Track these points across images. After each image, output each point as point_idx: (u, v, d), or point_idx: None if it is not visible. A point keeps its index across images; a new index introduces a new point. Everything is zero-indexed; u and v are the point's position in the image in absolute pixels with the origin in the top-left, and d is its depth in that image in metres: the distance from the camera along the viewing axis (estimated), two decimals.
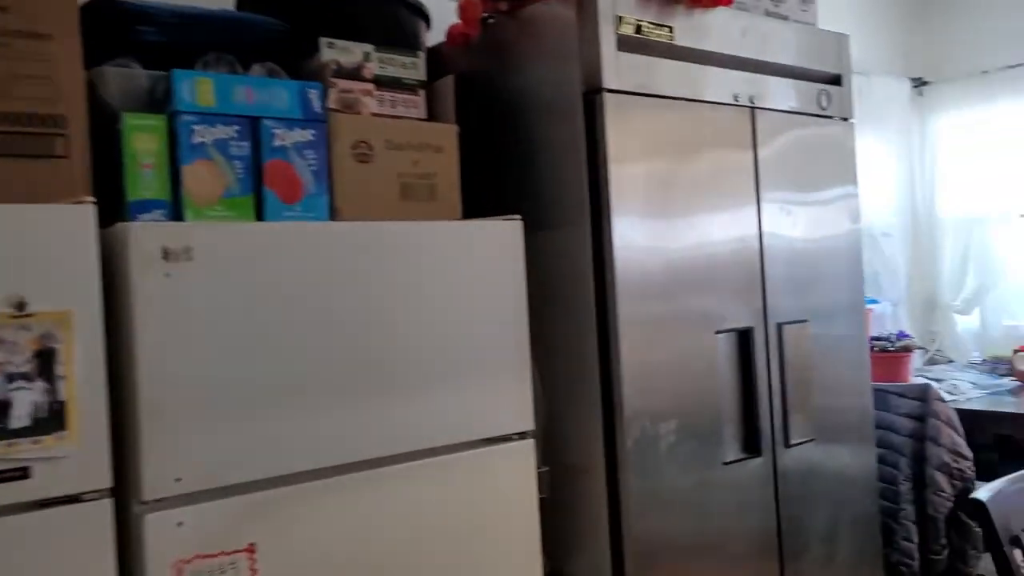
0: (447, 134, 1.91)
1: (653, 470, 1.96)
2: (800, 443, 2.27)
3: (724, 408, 2.12)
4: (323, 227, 1.63)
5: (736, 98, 2.18)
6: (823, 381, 2.35)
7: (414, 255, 1.70)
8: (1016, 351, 4.00)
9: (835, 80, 2.48)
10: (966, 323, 4.30)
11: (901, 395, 2.76)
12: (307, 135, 1.71)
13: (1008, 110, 3.99)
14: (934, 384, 2.91)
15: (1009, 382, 3.87)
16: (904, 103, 4.17)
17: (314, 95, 1.73)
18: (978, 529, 2.76)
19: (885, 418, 2.72)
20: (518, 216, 1.86)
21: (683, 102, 2.06)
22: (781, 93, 2.31)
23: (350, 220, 1.73)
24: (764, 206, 2.23)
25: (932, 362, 4.22)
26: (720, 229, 2.13)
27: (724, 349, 2.12)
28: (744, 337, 2.16)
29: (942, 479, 2.66)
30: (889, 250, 4.03)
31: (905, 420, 2.75)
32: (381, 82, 1.89)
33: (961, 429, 2.75)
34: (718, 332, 2.10)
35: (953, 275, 4.20)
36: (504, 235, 1.84)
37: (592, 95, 1.93)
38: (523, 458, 1.85)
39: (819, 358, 2.34)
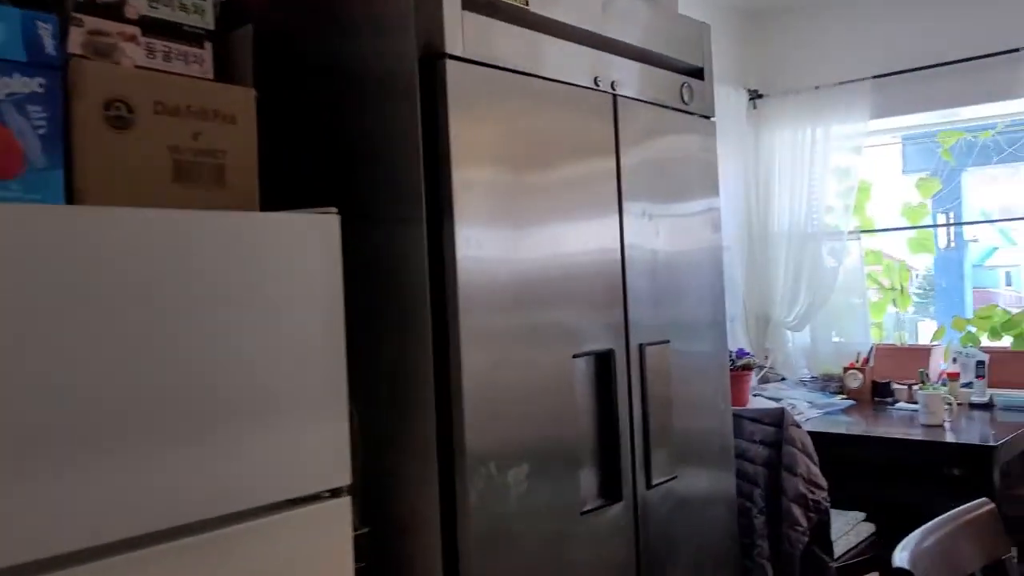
0: (242, 100, 1.46)
1: (501, 527, 1.59)
2: (662, 482, 1.98)
3: (582, 446, 1.79)
4: (55, 214, 1.15)
5: (597, 82, 1.87)
6: (684, 408, 2.08)
7: (191, 256, 1.25)
8: (846, 368, 3.98)
9: (697, 73, 2.23)
10: (796, 339, 4.26)
11: (756, 420, 2.56)
12: (33, 85, 1.22)
13: (839, 125, 3.98)
14: (788, 407, 2.73)
15: (840, 400, 3.84)
16: (742, 115, 4.09)
17: (46, 31, 1.24)
18: (833, 564, 2.59)
19: (739, 446, 2.50)
20: (335, 209, 1.45)
21: (539, 81, 1.72)
22: (644, 81, 2.02)
23: (97, 206, 1.25)
24: (627, 213, 1.93)
25: (765, 380, 4.14)
26: (579, 236, 1.80)
27: (582, 375, 1.80)
28: (604, 361, 1.84)
29: (798, 512, 2.47)
30: (728, 265, 3.90)
31: (760, 448, 2.55)
32: (151, 26, 1.42)
33: (816, 456, 2.59)
34: (576, 356, 1.77)
35: (786, 291, 4.15)
36: (316, 233, 1.42)
37: (431, 62, 1.54)
38: (336, 520, 1.43)
39: (681, 383, 2.07)
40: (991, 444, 2.90)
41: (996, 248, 5.63)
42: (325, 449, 1.40)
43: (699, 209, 2.20)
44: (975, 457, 2.93)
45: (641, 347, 1.94)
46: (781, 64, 4.17)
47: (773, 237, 4.19)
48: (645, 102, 2.02)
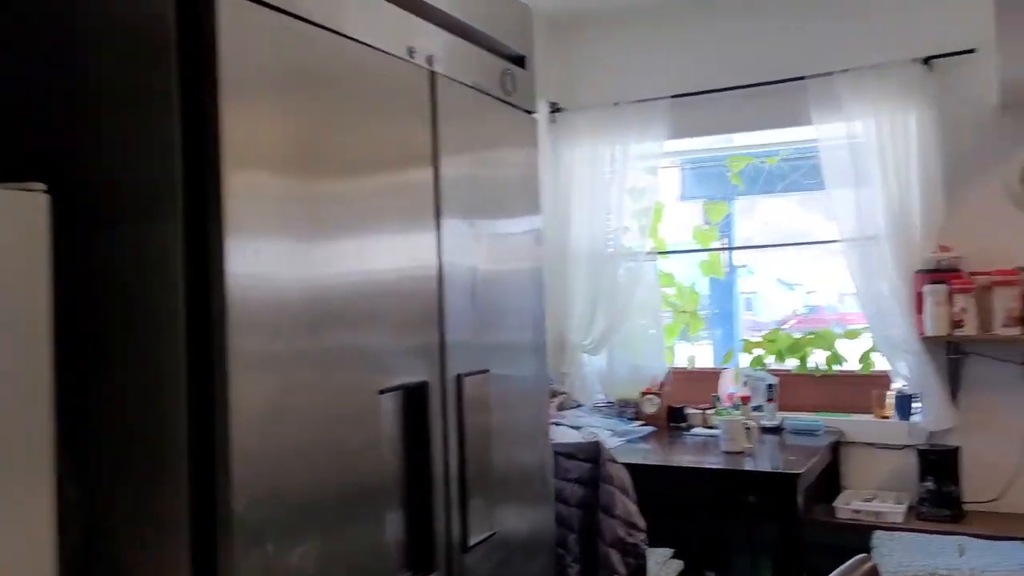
0: None
1: None
2: (481, 541, 1.64)
3: (388, 505, 1.41)
4: None
5: (411, 53, 1.52)
6: (505, 446, 1.77)
7: None
8: (643, 393, 3.87)
9: (519, 61, 1.94)
10: (592, 363, 4.11)
11: (571, 456, 2.30)
12: None
13: (637, 144, 3.89)
14: (603, 441, 2.50)
15: (638, 427, 3.71)
16: (541, 128, 3.89)
17: None
18: None
19: (554, 485, 2.22)
20: (42, 185, 0.99)
21: (340, 42, 1.34)
22: (464, 60, 1.70)
23: None
24: (446, 221, 1.59)
25: (561, 407, 3.94)
26: (390, 249, 1.44)
27: (390, 415, 1.42)
28: (416, 396, 1.48)
29: (616, 559, 2.23)
30: None
31: (575, 487, 2.29)
32: None
33: (634, 493, 2.37)
34: (383, 391, 1.39)
35: (584, 313, 3.99)
36: (14, 214, 0.95)
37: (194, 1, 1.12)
38: None
39: (502, 417, 1.76)
40: (795, 472, 2.83)
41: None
42: (13, 536, 0.93)
43: (522, 220, 1.91)
44: (779, 484, 2.86)
45: (459, 378, 1.60)
46: (581, 78, 4.04)
47: (572, 257, 4.02)
48: (466, 85, 1.69)
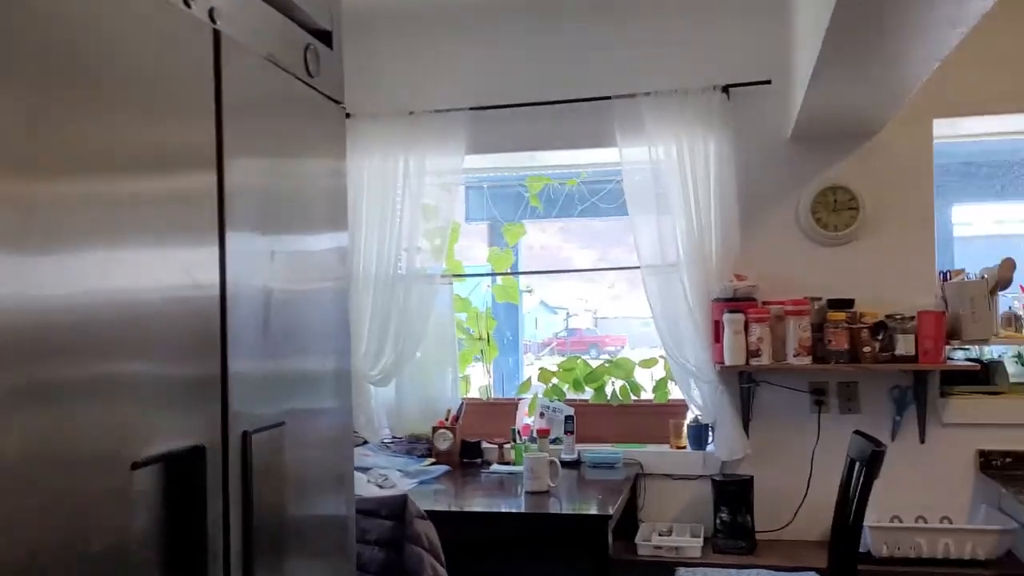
0: None
1: None
2: None
3: None
4: None
5: (188, 1, 1.12)
6: (302, 509, 1.39)
7: None
8: (435, 428, 3.57)
9: (325, 38, 1.59)
10: (379, 396, 3.75)
11: (371, 514, 1.94)
12: None
13: (434, 158, 3.61)
14: (408, 494, 2.16)
15: (431, 466, 3.39)
16: None
17: None
18: None
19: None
20: None
21: None
22: (258, 22, 1.32)
23: None
24: (232, 227, 1.20)
25: None
26: (152, 264, 1.03)
27: (147, 499, 1.01)
28: (187, 468, 1.07)
29: None
30: None
31: (375, 551, 1.93)
32: None
33: (442, 553, 2.04)
34: (137, 466, 0.98)
35: (373, 341, 3.63)
36: None
37: None
38: None
39: (299, 475, 1.38)
40: (606, 514, 2.65)
41: None
42: None
43: (327, 235, 1.55)
44: (589, 527, 2.66)
45: (247, 437, 1.21)
46: (373, 82, 3.70)
47: (359, 279, 3.65)
48: (259, 55, 1.32)
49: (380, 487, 2.99)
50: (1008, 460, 3.13)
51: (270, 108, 1.36)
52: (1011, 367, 3.27)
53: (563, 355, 5.25)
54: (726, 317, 3.18)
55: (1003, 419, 3.16)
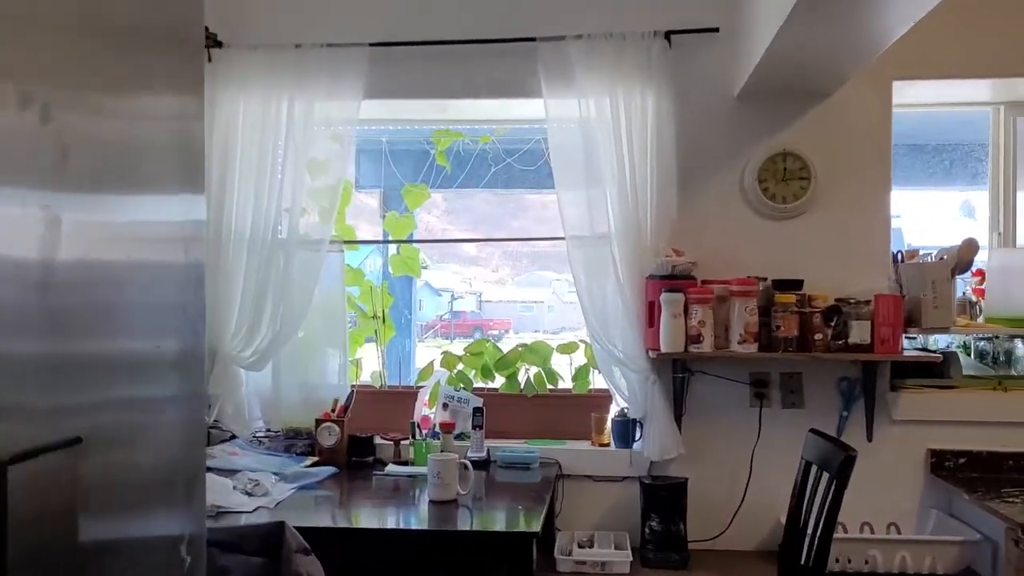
0: None
1: None
2: None
3: None
4: None
5: None
6: (110, 541, 0.86)
7: None
8: (320, 421, 3.02)
9: None
10: (253, 382, 3.17)
11: (232, 547, 1.40)
12: None
13: (325, 102, 3.04)
14: (286, 522, 1.62)
15: (314, 468, 2.84)
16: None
17: None
18: None
19: None
20: None
21: None
22: None
23: None
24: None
25: (208, 441, 2.95)
26: None
27: None
28: None
29: None
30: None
31: None
32: None
33: None
34: None
35: (246, 317, 3.04)
36: None
37: None
38: None
39: (108, 501, 0.85)
40: (533, 530, 2.18)
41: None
42: None
43: (168, 184, 1.03)
44: (511, 544, 2.19)
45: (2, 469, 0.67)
46: (254, 4, 3.09)
47: (228, 244, 3.05)
48: None
49: (249, 494, 2.44)
50: (962, 461, 2.85)
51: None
52: (960, 359, 2.99)
53: (448, 338, 5.09)
54: (664, 297, 2.76)
55: (956, 415, 2.87)
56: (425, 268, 5.40)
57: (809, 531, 2.24)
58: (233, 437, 3.01)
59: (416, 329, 4.42)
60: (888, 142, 2.92)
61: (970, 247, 2.78)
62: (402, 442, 3.02)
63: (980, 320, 2.95)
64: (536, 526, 2.20)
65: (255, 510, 2.30)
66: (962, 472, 2.83)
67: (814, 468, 2.33)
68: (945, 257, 2.80)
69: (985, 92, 3.09)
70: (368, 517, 2.46)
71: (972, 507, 2.64)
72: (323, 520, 2.35)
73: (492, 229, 4.87)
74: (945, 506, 2.83)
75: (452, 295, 5.16)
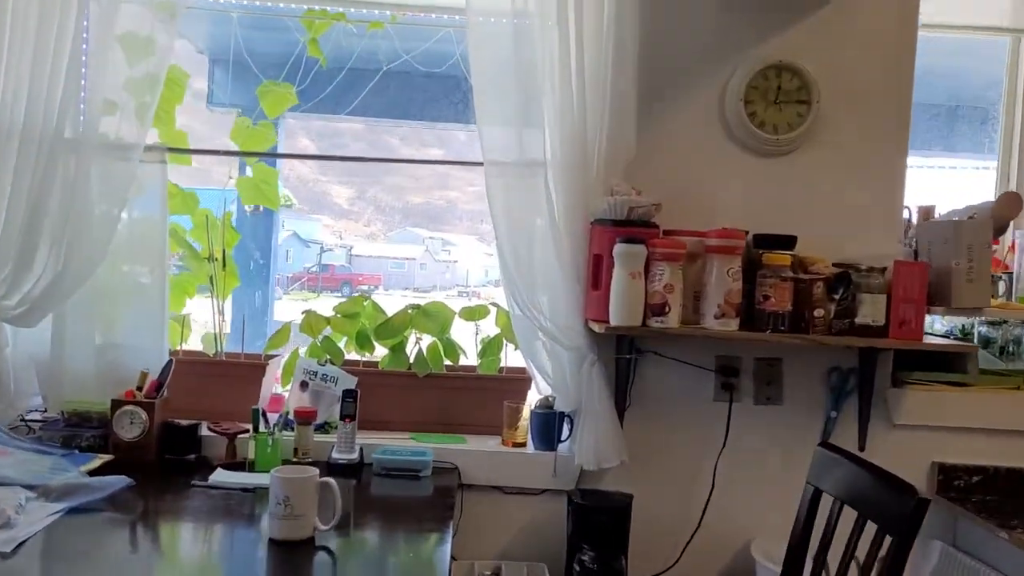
0: None
1: None
2: None
3: None
4: None
5: None
6: None
7: None
8: (119, 403, 2.10)
9: None
10: (23, 341, 2.22)
11: None
12: None
13: None
14: None
15: (98, 477, 1.92)
16: None
17: None
18: None
19: None
20: None
21: None
22: None
23: None
24: None
25: None
26: None
27: None
28: None
29: None
30: None
31: None
32: None
33: None
34: None
35: (12, 248, 2.08)
36: None
37: None
38: None
39: None
40: None
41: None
42: None
43: None
44: None
45: None
46: None
47: None
48: None
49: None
50: (975, 480, 2.24)
51: None
52: None
53: (315, 291, 4.83)
54: (620, 250, 1.99)
55: (970, 421, 2.25)
56: (289, 206, 4.57)
57: None
58: None
59: (278, 282, 3.91)
60: (911, 63, 2.23)
61: (1010, 203, 2.14)
62: (240, 436, 2.15)
63: (1002, 299, 2.33)
64: None
65: None
66: (975, 494, 2.22)
67: (841, 506, 1.64)
68: (975, 216, 2.15)
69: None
70: (175, 565, 1.59)
71: (988, 539, 2.03)
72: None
73: (365, 183, 4.75)
74: (950, 536, 2.22)
75: (321, 247, 4.97)
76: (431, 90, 2.73)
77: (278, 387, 2.44)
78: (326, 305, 2.48)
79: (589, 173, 2.12)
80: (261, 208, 3.28)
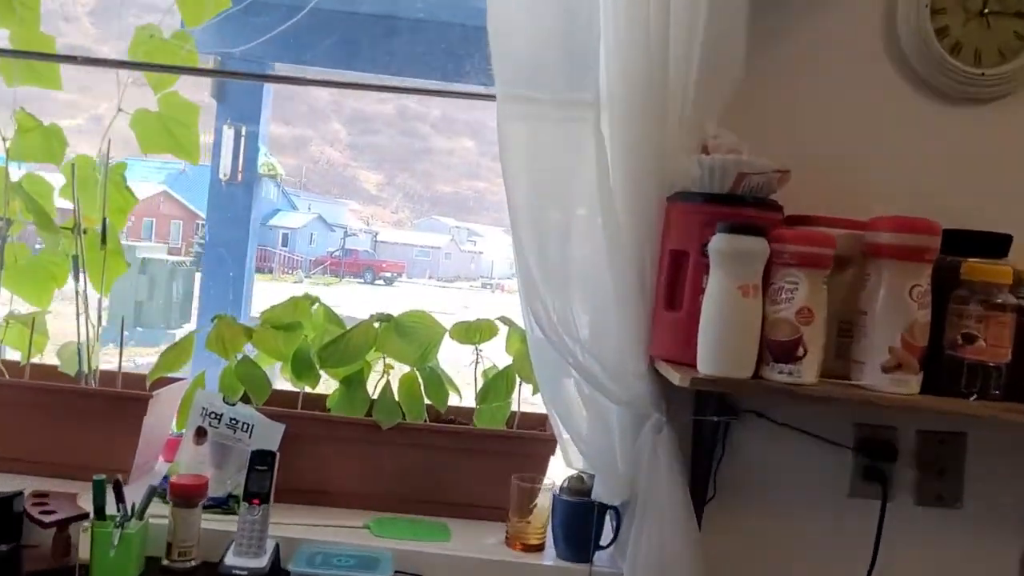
0: None
1: None
2: None
3: None
4: None
5: None
6: None
7: None
8: None
9: None
10: None
11: None
12: None
13: None
14: None
15: None
16: None
17: None
18: None
19: None
20: None
21: None
22: None
23: None
24: None
25: None
26: None
27: None
28: None
29: None
30: None
31: None
32: None
33: None
34: None
35: None
36: None
37: None
38: None
39: None
40: None
41: (279, 210, 5.12)
42: None
43: None
44: None
45: None
46: None
47: None
48: None
49: None
50: None
51: None
52: None
53: (337, 275, 4.84)
54: (722, 243, 1.14)
55: None
56: (273, 177, 3.99)
57: None
58: None
59: (299, 265, 4.38)
60: None
61: None
62: (74, 524, 1.32)
63: None
64: None
65: None
66: None
67: None
68: None
69: None
70: None
71: None
72: None
73: (394, 169, 5.00)
74: None
75: (345, 231, 5.01)
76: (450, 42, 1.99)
77: (175, 430, 1.62)
78: (344, 293, 1.69)
79: (668, 115, 1.27)
80: (241, 176, 2.59)
